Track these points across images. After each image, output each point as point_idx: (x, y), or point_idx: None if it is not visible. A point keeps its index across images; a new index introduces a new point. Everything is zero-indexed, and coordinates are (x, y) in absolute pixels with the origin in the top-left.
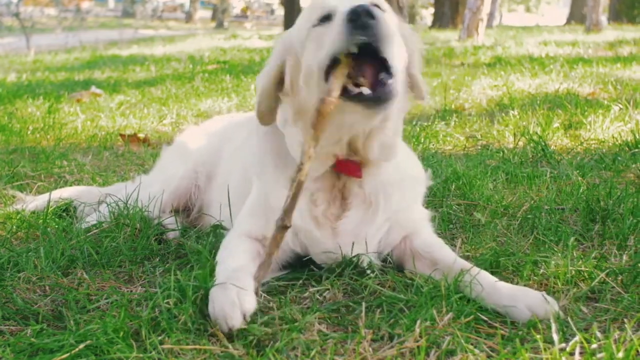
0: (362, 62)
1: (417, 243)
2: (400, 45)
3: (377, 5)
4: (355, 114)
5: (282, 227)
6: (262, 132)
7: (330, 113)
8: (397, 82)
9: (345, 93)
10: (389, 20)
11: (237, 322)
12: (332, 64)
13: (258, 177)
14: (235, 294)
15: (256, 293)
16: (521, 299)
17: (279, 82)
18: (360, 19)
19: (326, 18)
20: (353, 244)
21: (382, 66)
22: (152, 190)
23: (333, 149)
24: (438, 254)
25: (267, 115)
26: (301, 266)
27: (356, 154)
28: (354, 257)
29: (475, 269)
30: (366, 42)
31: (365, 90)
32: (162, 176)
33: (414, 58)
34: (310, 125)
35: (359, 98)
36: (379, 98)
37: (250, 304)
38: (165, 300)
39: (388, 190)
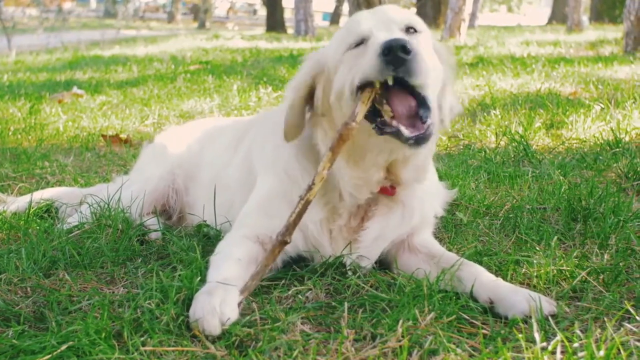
0: (395, 90)
1: (417, 240)
2: (436, 70)
3: (412, 28)
4: (393, 143)
5: (282, 242)
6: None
7: (351, 137)
8: (435, 116)
9: (380, 129)
10: (425, 53)
11: (213, 329)
12: (363, 87)
13: (274, 173)
14: (218, 302)
15: (240, 304)
16: (521, 291)
17: (309, 97)
18: (393, 54)
19: (361, 42)
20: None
21: (418, 98)
22: (131, 190)
23: (374, 175)
24: (435, 249)
25: (293, 130)
26: (284, 266)
27: (392, 176)
28: (340, 257)
29: (475, 264)
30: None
31: (405, 132)
32: (140, 177)
33: (446, 79)
34: (329, 147)
35: (398, 137)
36: (420, 139)
37: (231, 314)
38: (147, 301)
39: (419, 200)
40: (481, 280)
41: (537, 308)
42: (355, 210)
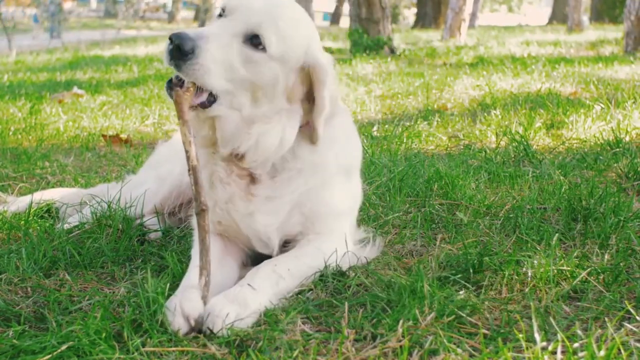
0: None
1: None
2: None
3: (259, 41)
4: None
5: (200, 211)
6: None
7: (184, 99)
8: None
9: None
10: (209, 56)
11: (180, 326)
12: None
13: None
14: (178, 302)
15: (205, 288)
16: None
17: None
18: (175, 49)
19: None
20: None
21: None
22: (147, 187)
23: (201, 131)
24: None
25: None
26: None
27: None
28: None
29: None
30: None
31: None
32: (153, 173)
33: (318, 77)
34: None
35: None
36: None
37: (192, 308)
38: (146, 302)
39: (288, 171)
40: None
41: None
42: (227, 155)
